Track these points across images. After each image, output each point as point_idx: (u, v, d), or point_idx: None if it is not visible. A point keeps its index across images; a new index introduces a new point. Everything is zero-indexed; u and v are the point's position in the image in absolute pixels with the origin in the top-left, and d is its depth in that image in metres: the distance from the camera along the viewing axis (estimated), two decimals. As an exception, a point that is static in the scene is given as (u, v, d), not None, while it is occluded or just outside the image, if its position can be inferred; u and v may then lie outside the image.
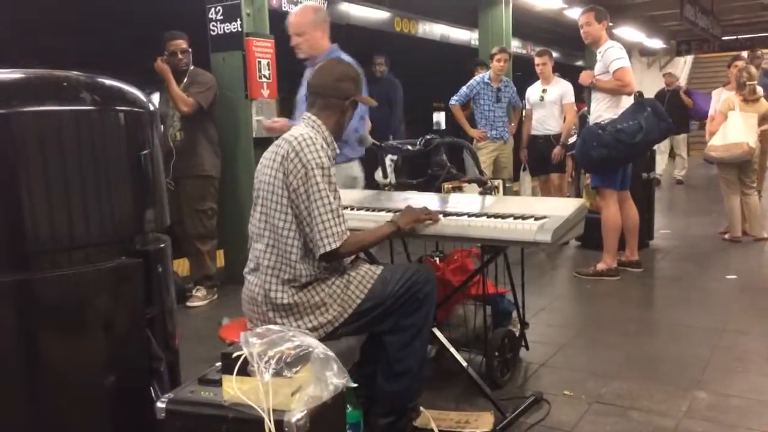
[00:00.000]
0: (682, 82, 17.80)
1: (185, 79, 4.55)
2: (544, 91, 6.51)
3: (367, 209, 2.92)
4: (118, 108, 1.92)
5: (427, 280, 2.46)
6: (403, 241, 3.26)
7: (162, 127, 4.43)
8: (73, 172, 1.80)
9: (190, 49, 4.59)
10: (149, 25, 4.85)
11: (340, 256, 2.33)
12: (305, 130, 2.38)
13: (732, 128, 5.93)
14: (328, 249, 2.25)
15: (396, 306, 2.39)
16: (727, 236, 6.29)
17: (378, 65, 6.84)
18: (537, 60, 6.60)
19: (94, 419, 1.90)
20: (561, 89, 6.50)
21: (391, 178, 3.23)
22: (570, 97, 6.49)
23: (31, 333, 1.80)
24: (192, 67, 4.64)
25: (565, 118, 6.52)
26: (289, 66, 5.22)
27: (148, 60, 4.51)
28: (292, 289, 2.32)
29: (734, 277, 4.98)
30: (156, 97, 4.62)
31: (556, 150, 6.42)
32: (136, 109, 1.98)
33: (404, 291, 2.39)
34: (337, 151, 2.48)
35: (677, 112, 9.38)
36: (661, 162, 10.13)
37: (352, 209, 2.89)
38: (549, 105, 6.50)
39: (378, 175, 3.27)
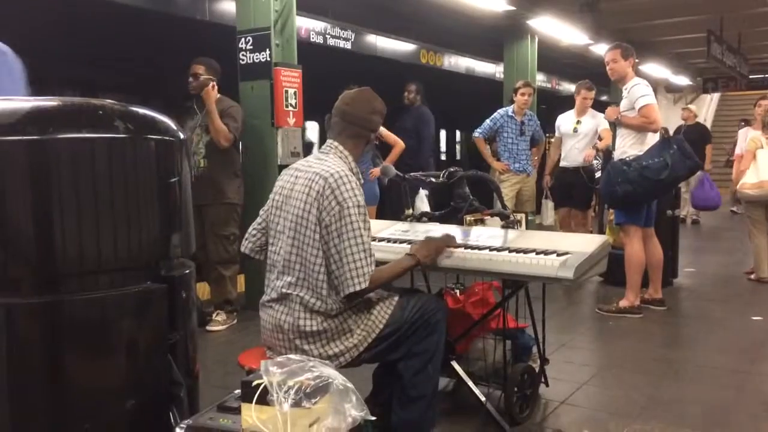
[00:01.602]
0: (709, 119, 17.72)
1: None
2: (578, 122, 6.38)
3: (389, 240, 2.94)
4: (149, 136, 1.96)
5: (439, 307, 2.54)
6: (423, 273, 3.26)
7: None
8: (104, 198, 1.84)
9: (206, 76, 4.65)
10: (182, 54, 4.96)
11: (364, 294, 2.34)
12: (339, 165, 2.38)
13: (765, 166, 5.89)
14: (357, 288, 2.26)
15: (410, 332, 2.43)
16: (752, 276, 6.20)
17: (408, 92, 6.67)
18: (586, 94, 6.39)
19: (114, 443, 1.91)
20: (596, 121, 6.34)
21: (419, 208, 3.26)
22: (605, 124, 6.28)
23: (56, 354, 1.83)
24: (219, 96, 4.72)
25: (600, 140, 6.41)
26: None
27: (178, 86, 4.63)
28: (321, 316, 2.34)
29: (760, 318, 4.89)
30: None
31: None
32: (167, 138, 2.02)
33: (418, 317, 2.44)
34: (362, 181, 2.50)
35: (693, 149, 9.23)
36: (686, 201, 9.97)
37: (373, 240, 2.90)
38: (582, 136, 6.36)
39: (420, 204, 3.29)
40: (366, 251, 2.28)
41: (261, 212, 2.61)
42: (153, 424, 1.96)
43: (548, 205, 6.94)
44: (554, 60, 11.75)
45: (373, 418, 1.89)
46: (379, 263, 2.48)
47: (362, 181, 2.50)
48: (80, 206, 1.80)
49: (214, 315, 4.73)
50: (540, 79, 11.19)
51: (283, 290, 2.37)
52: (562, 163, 6.54)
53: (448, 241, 2.63)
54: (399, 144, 5.75)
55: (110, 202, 1.85)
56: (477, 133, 6.60)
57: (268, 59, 4.97)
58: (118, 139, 1.88)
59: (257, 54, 5.02)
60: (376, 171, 5.47)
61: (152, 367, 1.97)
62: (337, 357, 2.34)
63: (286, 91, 5.00)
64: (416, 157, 6.33)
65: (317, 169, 2.37)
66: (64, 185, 1.79)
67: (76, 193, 1.79)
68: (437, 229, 3.01)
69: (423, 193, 3.31)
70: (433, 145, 6.78)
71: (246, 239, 2.63)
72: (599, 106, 6.62)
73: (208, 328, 4.65)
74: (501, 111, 6.61)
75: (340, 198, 2.28)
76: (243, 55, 5.09)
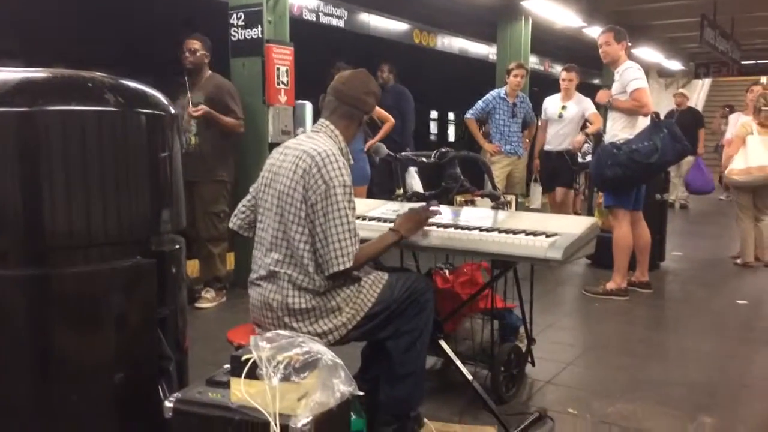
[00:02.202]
0: (700, 104, 17.77)
1: (200, 81, 4.61)
2: (563, 107, 6.36)
3: (378, 219, 2.94)
4: (140, 110, 1.95)
5: (427, 287, 2.55)
6: (413, 253, 3.27)
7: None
8: (94, 172, 1.83)
9: (203, 52, 4.62)
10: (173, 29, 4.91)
11: (348, 273, 2.34)
12: (327, 145, 2.37)
13: (753, 152, 5.92)
14: (341, 268, 2.26)
15: (399, 311, 2.44)
16: (739, 261, 6.26)
17: (381, 72, 6.50)
18: (564, 75, 6.39)
19: (103, 415, 1.92)
20: (582, 106, 6.33)
21: (411, 185, 3.25)
22: (592, 109, 6.28)
23: (45, 327, 1.83)
24: (210, 73, 4.69)
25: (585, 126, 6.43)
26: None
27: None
28: (309, 294, 2.34)
29: (745, 302, 4.95)
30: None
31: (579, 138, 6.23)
32: (158, 112, 2.01)
33: (407, 296, 2.46)
34: (351, 161, 2.49)
35: (686, 133, 9.24)
36: (675, 186, 10.01)
37: (363, 219, 2.91)
38: (567, 121, 6.36)
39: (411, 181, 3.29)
40: (351, 231, 2.28)
41: (251, 189, 2.60)
42: (142, 397, 1.97)
43: (536, 189, 6.95)
44: (547, 42, 11.71)
45: (362, 394, 1.91)
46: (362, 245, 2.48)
47: (352, 162, 2.49)
48: (69, 179, 1.79)
49: (203, 292, 4.74)
50: (533, 61, 11.17)
51: (271, 268, 2.37)
52: (546, 147, 6.51)
53: (429, 212, 2.63)
54: (390, 121, 5.72)
55: (100, 176, 1.84)
56: (469, 114, 6.57)
57: (260, 36, 4.92)
58: (108, 112, 1.87)
59: (249, 30, 4.97)
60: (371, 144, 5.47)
61: (141, 342, 1.98)
62: (326, 335, 2.35)
63: (278, 69, 4.96)
64: (401, 134, 6.29)
65: (305, 147, 2.37)
66: (53, 158, 1.78)
67: (66, 166, 1.79)
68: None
69: (413, 170, 3.31)
70: (414, 122, 6.67)
71: (235, 215, 2.63)
72: (590, 90, 6.60)
73: (197, 305, 4.65)
74: (493, 92, 6.58)
75: (327, 177, 2.28)
76: (234, 31, 5.03)
